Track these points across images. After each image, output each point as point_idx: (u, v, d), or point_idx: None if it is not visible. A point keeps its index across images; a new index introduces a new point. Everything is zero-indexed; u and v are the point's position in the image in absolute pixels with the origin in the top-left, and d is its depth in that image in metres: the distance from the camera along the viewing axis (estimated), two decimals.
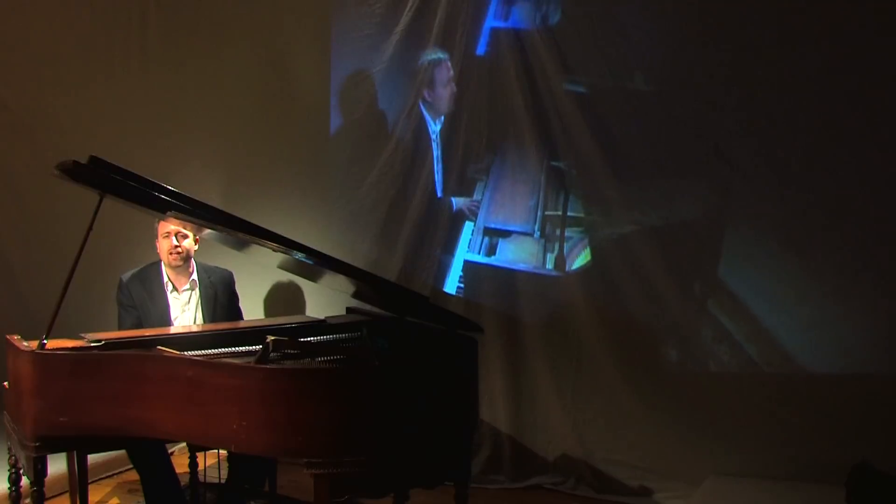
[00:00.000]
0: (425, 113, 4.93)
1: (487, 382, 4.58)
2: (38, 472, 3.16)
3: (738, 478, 4.15)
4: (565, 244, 4.65)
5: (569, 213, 4.66)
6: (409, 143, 4.93)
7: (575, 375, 4.60)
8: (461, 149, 4.83)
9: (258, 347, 3.16)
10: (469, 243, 4.88)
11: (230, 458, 3.90)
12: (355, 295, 3.85)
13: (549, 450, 4.65)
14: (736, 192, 4.28)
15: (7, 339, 3.32)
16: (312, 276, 3.90)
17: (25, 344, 3.21)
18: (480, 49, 4.78)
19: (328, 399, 2.95)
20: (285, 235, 3.47)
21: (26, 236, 4.91)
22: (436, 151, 4.91)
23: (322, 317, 3.91)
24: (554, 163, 4.67)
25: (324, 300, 4.87)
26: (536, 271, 4.73)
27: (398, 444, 3.05)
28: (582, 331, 4.57)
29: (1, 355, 3.36)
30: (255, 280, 5.00)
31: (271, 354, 3.12)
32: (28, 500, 3.38)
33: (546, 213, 4.70)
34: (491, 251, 4.83)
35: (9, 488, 3.47)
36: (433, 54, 4.89)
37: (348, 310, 4.12)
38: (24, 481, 3.43)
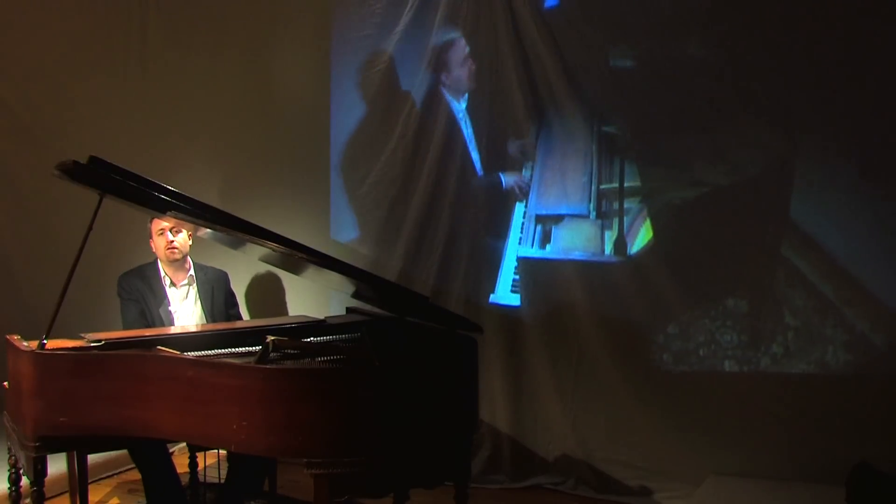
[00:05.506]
0: (446, 94, 4.70)
1: (487, 382, 4.57)
2: (38, 472, 3.16)
3: (738, 478, 4.15)
4: (625, 219, 4.26)
5: (626, 184, 4.29)
6: (414, 139, 4.82)
7: (575, 375, 4.60)
8: (496, 122, 4.57)
9: (258, 347, 3.16)
10: (520, 234, 4.49)
11: (230, 458, 3.90)
12: (355, 295, 3.85)
13: (549, 450, 4.65)
14: (801, 140, 4.11)
15: (7, 339, 3.32)
16: (309, 275, 3.89)
17: (25, 344, 3.21)
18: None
19: (328, 399, 2.94)
20: (285, 236, 3.47)
21: (26, 236, 4.90)
22: (465, 130, 4.70)
23: (322, 317, 3.91)
24: (606, 128, 4.40)
25: (309, 299, 4.87)
26: (595, 259, 4.39)
27: (398, 444, 3.05)
28: (582, 331, 4.57)
29: (1, 355, 3.36)
30: (240, 279, 5.01)
31: (271, 354, 3.12)
32: (28, 500, 3.38)
33: (601, 187, 4.36)
34: (545, 240, 4.47)
35: (9, 488, 3.47)
36: (445, 35, 4.70)
37: (348, 310, 4.12)
38: (24, 481, 3.43)
